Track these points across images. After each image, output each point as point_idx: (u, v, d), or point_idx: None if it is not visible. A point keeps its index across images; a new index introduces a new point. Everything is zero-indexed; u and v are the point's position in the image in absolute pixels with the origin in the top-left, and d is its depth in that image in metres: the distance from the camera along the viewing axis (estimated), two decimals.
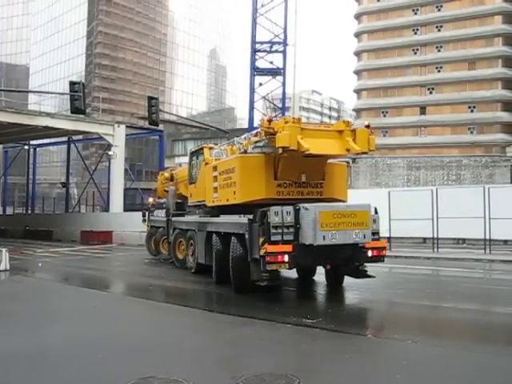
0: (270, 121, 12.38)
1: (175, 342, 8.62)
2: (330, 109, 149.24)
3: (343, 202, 13.97)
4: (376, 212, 13.20)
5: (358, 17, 77.89)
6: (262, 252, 11.69)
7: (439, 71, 70.81)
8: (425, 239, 26.80)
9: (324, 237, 11.60)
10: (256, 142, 13.22)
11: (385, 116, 74.21)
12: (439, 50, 70.86)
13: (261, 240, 11.87)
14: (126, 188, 43.40)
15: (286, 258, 11.71)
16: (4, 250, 19.93)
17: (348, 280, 14.06)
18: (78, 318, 10.90)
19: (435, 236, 23.74)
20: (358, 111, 79.08)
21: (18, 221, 47.20)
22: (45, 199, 57.23)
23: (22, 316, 11.15)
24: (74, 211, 50.87)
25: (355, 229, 11.94)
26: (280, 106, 38.40)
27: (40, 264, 22.89)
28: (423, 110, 71.65)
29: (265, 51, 36.49)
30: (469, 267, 19.59)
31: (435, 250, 23.80)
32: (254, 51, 35.63)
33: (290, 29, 36.08)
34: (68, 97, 22.48)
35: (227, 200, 14.15)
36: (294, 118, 12.43)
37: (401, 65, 72.25)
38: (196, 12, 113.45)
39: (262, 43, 36.33)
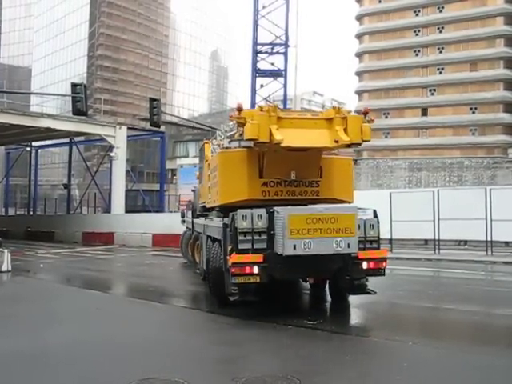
0: (239, 110, 10.75)
1: (176, 343, 8.63)
2: None
3: (348, 202, 12.17)
4: (375, 216, 11.13)
5: (359, 18, 77.95)
6: (230, 262, 10.27)
7: (441, 73, 70.84)
8: (426, 241, 26.75)
9: (295, 246, 9.86)
10: (231, 135, 12.14)
11: (386, 117, 74.22)
12: (441, 52, 70.89)
13: (229, 248, 10.47)
14: (127, 189, 43.43)
15: (255, 269, 10.13)
16: (6, 251, 19.97)
17: None
18: (79, 319, 10.91)
19: (437, 238, 23.70)
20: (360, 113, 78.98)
21: (19, 222, 47.24)
22: (46, 200, 57.26)
23: (24, 317, 11.16)
24: (76, 212, 50.91)
25: (336, 236, 10.02)
26: (281, 107, 38.36)
27: (42, 265, 22.92)
28: (425, 111, 71.68)
29: (266, 53, 36.45)
30: (470, 269, 19.56)
31: (437, 251, 23.77)
32: (256, 53, 35.59)
33: (291, 30, 36.06)
34: (70, 98, 22.49)
35: (214, 201, 12.81)
36: (269, 106, 10.85)
37: (402, 66, 72.30)
38: (197, 14, 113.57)
39: (263, 45, 36.29)
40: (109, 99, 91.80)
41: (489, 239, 22.33)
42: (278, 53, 35.95)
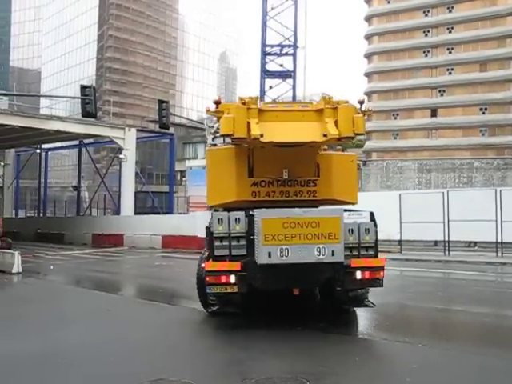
0: (217, 103, 9.97)
1: (186, 344, 8.64)
2: None
3: (351, 204, 10.95)
4: (372, 219, 9.92)
5: (368, 19, 77.79)
6: (204, 270, 9.62)
7: (450, 73, 70.57)
8: (436, 242, 26.67)
9: (270, 253, 8.93)
10: (215, 131, 11.25)
11: (395, 118, 74.02)
12: (450, 52, 70.62)
13: (206, 254, 9.86)
14: (136, 191, 43.57)
15: (232, 278, 9.24)
16: (16, 252, 20.11)
17: None
18: (89, 321, 10.96)
19: (446, 239, 23.64)
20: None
21: (29, 224, 47.48)
22: (56, 202, 57.54)
23: (35, 318, 11.22)
24: (86, 214, 51.11)
25: (318, 243, 9.02)
26: None
27: (52, 267, 23.03)
28: (434, 112, 71.39)
29: (275, 54, 36.49)
30: (480, 270, 19.48)
31: (446, 252, 23.69)
32: (264, 54, 35.64)
33: (300, 31, 36.06)
34: (79, 101, 22.59)
35: (205, 203, 11.79)
36: (249, 98, 9.71)
37: (411, 67, 72.06)
38: (206, 15, 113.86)
39: (272, 46, 36.34)
40: (118, 101, 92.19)
41: (499, 240, 22.23)
42: (286, 54, 35.97)
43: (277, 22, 35.65)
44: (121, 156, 39.59)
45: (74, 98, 63.17)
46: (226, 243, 9.34)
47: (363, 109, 10.00)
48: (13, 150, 49.40)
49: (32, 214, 59.58)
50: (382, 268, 9.67)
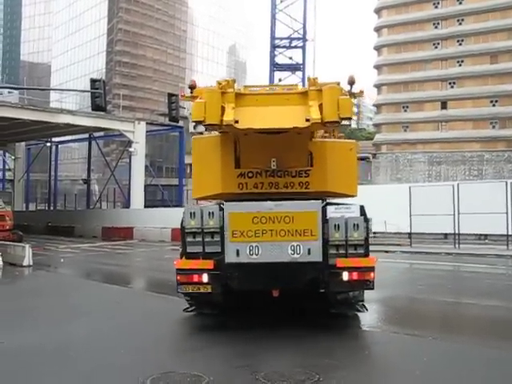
0: (192, 87, 9.18)
1: (196, 337, 8.66)
2: None
3: (349, 197, 10.08)
4: (362, 213, 9.04)
5: (378, 11, 77.33)
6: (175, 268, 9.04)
7: (460, 65, 70.02)
8: (446, 235, 26.60)
9: (238, 252, 8.39)
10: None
11: (405, 111, 73.64)
12: (460, 44, 70.06)
13: (180, 251, 9.30)
14: (146, 184, 43.70)
15: (204, 277, 8.70)
16: (27, 245, 20.25)
17: None
18: (99, 313, 11.01)
19: (456, 232, 23.56)
20: (379, 106, 78.60)
21: (40, 217, 47.74)
22: (66, 195, 57.79)
23: (45, 310, 11.29)
24: (96, 207, 51.33)
25: (292, 240, 8.36)
26: None
27: (62, 260, 23.17)
28: (444, 104, 70.95)
29: (284, 47, 36.48)
30: (491, 263, 19.41)
31: (456, 245, 23.61)
32: (274, 47, 35.62)
33: (309, 24, 36.02)
34: (89, 94, 22.64)
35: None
36: (226, 80, 8.99)
37: (421, 59, 71.57)
38: (215, 8, 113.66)
39: (281, 39, 36.33)
40: (127, 95, 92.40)
41: (510, 233, 22.14)
42: (296, 47, 35.97)
43: (286, 14, 35.67)
44: (130, 149, 39.70)
45: (83, 91, 63.38)
46: (199, 239, 8.78)
47: (354, 90, 9.21)
48: (23, 144, 49.63)
49: (42, 207, 59.92)
50: (371, 269, 8.79)
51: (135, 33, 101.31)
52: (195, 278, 8.75)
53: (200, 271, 8.73)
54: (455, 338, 8.79)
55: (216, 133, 9.65)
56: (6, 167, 55.99)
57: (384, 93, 75.92)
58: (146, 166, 42.60)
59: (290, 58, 36.18)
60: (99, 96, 22.78)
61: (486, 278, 16.19)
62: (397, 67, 73.62)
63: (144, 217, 36.68)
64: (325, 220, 8.70)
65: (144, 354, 7.80)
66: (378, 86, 77.03)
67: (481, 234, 26.82)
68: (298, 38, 35.58)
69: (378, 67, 77.39)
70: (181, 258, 9.12)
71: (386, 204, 26.87)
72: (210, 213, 8.73)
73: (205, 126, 8.63)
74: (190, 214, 8.82)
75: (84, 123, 38.24)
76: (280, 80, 36.33)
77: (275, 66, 36.14)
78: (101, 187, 57.90)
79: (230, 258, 8.45)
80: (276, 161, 9.17)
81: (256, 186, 9.43)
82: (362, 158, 54.15)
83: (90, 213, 46.15)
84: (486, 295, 12.98)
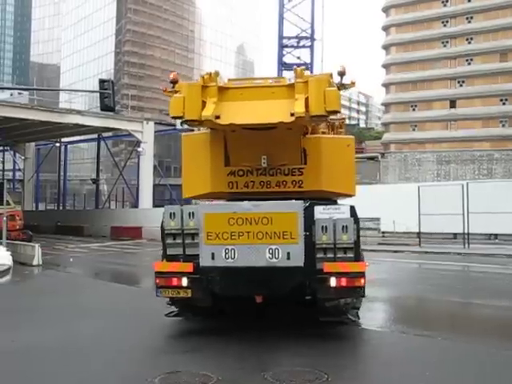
0: (173, 82, 8.57)
1: (205, 337, 8.66)
2: (359, 103, 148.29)
3: (347, 196, 9.69)
4: (353, 214, 8.38)
5: (386, 10, 77.11)
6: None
7: (469, 64, 69.69)
8: (455, 235, 26.52)
9: (213, 255, 7.94)
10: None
11: (414, 110, 73.40)
12: (469, 42, 69.72)
13: (162, 253, 8.88)
14: (155, 184, 43.78)
15: (184, 281, 8.28)
16: (37, 245, 20.37)
17: (374, 275, 13.73)
18: (107, 312, 11.04)
19: (466, 231, 23.46)
20: (387, 105, 78.42)
21: (49, 217, 47.96)
22: (76, 195, 58.06)
23: (55, 309, 11.34)
24: (104, 207, 51.49)
25: (270, 243, 7.85)
26: None
27: (71, 259, 23.26)
28: (453, 103, 70.64)
29: (292, 46, 36.44)
30: (501, 263, 19.31)
31: (466, 245, 23.51)
32: (282, 46, 35.57)
33: (317, 23, 35.95)
34: (98, 95, 22.68)
35: None
36: (209, 74, 8.41)
37: (430, 58, 71.27)
38: (223, 8, 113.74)
39: (289, 38, 36.29)
40: (136, 95, 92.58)
41: None
42: (303, 46, 35.91)
43: (294, 14, 35.61)
44: (139, 149, 39.79)
45: (92, 91, 63.52)
46: (179, 241, 8.35)
47: (343, 82, 8.52)
48: (33, 144, 49.84)
49: (52, 206, 60.15)
50: (361, 274, 8.15)
51: (143, 33, 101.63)
52: (174, 281, 8.35)
53: (179, 274, 8.31)
54: (465, 338, 8.75)
55: (206, 129, 9.28)
56: (16, 167, 56.30)
57: (392, 92, 75.71)
58: (155, 166, 42.68)
59: (298, 58, 36.12)
60: (108, 96, 22.82)
61: (495, 279, 16.11)
62: (405, 66, 73.39)
63: (152, 216, 36.58)
64: (312, 221, 8.17)
65: (153, 353, 7.81)
66: (387, 85, 76.84)
67: (490, 234, 26.71)
68: (306, 38, 35.53)
69: (386, 66, 77.18)
70: (162, 260, 8.71)
71: (394, 204, 26.85)
72: (190, 213, 8.26)
73: (184, 122, 8.39)
74: (170, 214, 8.41)
75: (93, 123, 38.37)
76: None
77: (283, 66, 36.09)
78: (110, 187, 58.10)
79: (205, 261, 8.02)
80: (266, 158, 8.82)
81: (247, 185, 9.06)
82: (370, 158, 54.04)
83: (98, 213, 46.29)
84: (495, 296, 12.91)
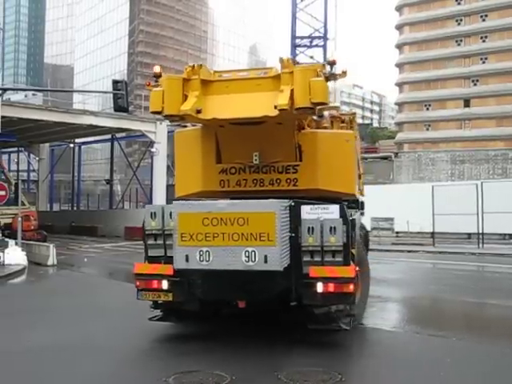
0: (157, 76, 8.11)
1: (218, 337, 8.67)
2: (372, 103, 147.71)
3: (346, 195, 9.11)
4: (343, 214, 7.81)
5: (399, 9, 76.72)
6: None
7: (484, 62, 69.14)
8: (469, 234, 26.37)
9: (187, 257, 7.42)
10: None
11: (428, 109, 72.96)
12: (484, 41, 69.17)
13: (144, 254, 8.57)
14: (168, 184, 43.82)
15: (164, 284, 7.99)
16: (51, 245, 20.53)
17: (388, 275, 13.70)
18: (121, 312, 11.08)
19: (480, 231, 23.31)
20: (400, 105, 78.05)
21: (63, 217, 48.22)
22: (89, 196, 58.29)
23: (69, 309, 11.41)
24: (118, 208, 51.66)
25: (247, 245, 7.25)
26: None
27: (85, 259, 23.40)
28: (467, 102, 70.13)
29: (305, 46, 36.35)
30: None
31: (480, 245, 23.36)
32: (294, 46, 35.49)
33: (329, 23, 35.85)
34: (111, 95, 22.77)
35: None
36: (191, 66, 7.96)
37: (444, 57, 70.81)
38: (236, 9, 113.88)
39: (302, 38, 36.20)
40: (149, 95, 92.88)
41: None
42: (316, 46, 35.81)
43: (306, 13, 35.53)
44: (152, 150, 39.87)
45: (106, 92, 63.90)
46: (160, 242, 8.04)
47: (333, 71, 7.93)
48: (47, 145, 50.13)
49: (66, 207, 60.47)
50: (351, 280, 7.51)
51: (156, 34, 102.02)
52: (154, 284, 8.07)
53: (159, 277, 8.00)
54: (479, 339, 8.70)
55: (197, 126, 8.99)
56: (31, 168, 56.68)
57: (406, 91, 75.31)
58: (168, 166, 42.72)
59: (311, 57, 36.01)
60: (121, 97, 22.92)
61: (510, 279, 16.01)
62: (419, 65, 72.97)
63: None
64: (298, 222, 7.75)
65: (167, 352, 7.84)
66: (400, 85, 76.46)
67: (505, 234, 26.52)
68: (319, 37, 35.43)
69: (399, 65, 76.79)
70: (144, 262, 8.45)
71: (408, 203, 26.75)
72: (171, 213, 7.85)
73: (164, 117, 8.09)
74: (151, 214, 8.12)
75: (106, 124, 38.52)
76: None
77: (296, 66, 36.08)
78: (123, 187, 58.31)
79: (179, 263, 7.53)
80: (258, 155, 8.45)
81: (239, 183, 8.72)
82: (383, 158, 53.79)
83: (112, 213, 46.46)
84: (510, 296, 12.82)
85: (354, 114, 13.39)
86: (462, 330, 9.63)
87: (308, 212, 7.80)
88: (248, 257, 7.22)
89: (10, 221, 26.94)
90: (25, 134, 37.65)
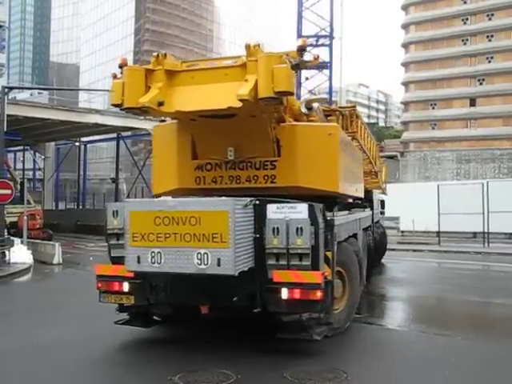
0: (121, 67, 7.72)
1: (222, 336, 8.68)
2: (378, 102, 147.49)
3: (329, 193, 8.33)
4: (312, 214, 7.24)
5: (405, 8, 76.54)
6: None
7: (490, 61, 68.91)
8: (475, 234, 26.31)
9: (139, 258, 6.96)
10: None
11: (433, 108, 72.78)
12: (490, 40, 68.93)
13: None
14: None
15: (125, 286, 7.68)
16: (57, 244, 20.58)
17: (393, 274, 13.70)
18: None
19: (486, 230, 23.26)
20: (406, 104, 77.86)
21: (69, 216, 48.32)
22: (95, 195, 58.42)
23: (74, 308, 11.43)
24: None
25: (199, 246, 6.72)
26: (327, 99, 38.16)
27: (91, 258, 23.40)
28: (473, 101, 69.91)
29: (311, 45, 36.21)
30: None
31: (486, 244, 23.31)
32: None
33: (336, 22, 35.80)
34: None
35: None
36: (155, 56, 7.60)
37: (450, 56, 70.62)
38: (241, 7, 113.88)
39: (307, 37, 36.09)
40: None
41: None
42: (322, 45, 35.73)
43: (312, 12, 35.46)
44: None
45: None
46: (122, 242, 7.49)
47: (303, 59, 7.38)
48: (53, 144, 50.25)
49: (71, 206, 60.65)
50: (317, 286, 6.95)
51: (162, 32, 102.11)
52: (116, 286, 7.74)
53: (120, 279, 7.64)
54: (484, 338, 8.69)
55: (174, 120, 8.58)
56: (36, 167, 56.84)
57: (412, 90, 75.15)
58: None
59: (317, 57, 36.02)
60: None
61: None
62: (424, 64, 72.79)
63: None
64: (263, 222, 7.27)
65: (173, 352, 7.84)
66: (406, 84, 76.30)
67: (511, 233, 26.44)
68: (325, 36, 35.36)
69: (405, 65, 76.63)
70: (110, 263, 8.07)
71: (414, 203, 26.72)
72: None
73: (125, 110, 7.62)
74: (113, 212, 7.72)
75: (112, 123, 38.58)
76: (307, 78, 36.25)
77: None
78: (129, 186, 58.38)
79: (131, 265, 7.07)
80: (233, 150, 8.04)
81: (215, 180, 8.30)
82: (389, 157, 53.75)
83: None
84: None
85: (354, 107, 12.72)
86: (467, 329, 9.62)
87: (274, 211, 7.31)
88: (200, 259, 6.70)
89: (15, 219, 27.00)
90: (30, 132, 37.72)
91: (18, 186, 25.91)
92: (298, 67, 7.31)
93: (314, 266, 7.10)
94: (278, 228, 7.13)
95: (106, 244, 8.13)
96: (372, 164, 15.58)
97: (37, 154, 53.68)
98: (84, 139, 51.55)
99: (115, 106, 7.53)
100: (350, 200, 11.41)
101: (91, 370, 7.14)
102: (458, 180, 47.04)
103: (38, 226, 29.43)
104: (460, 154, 53.91)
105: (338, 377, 6.55)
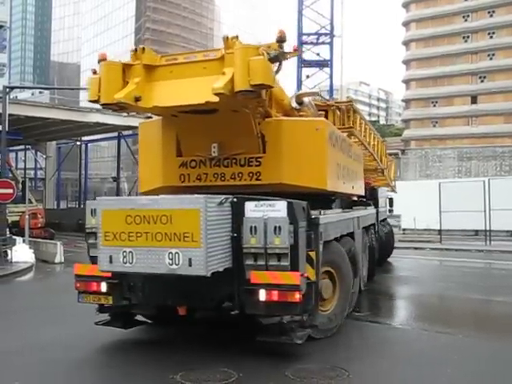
0: (102, 61, 7.45)
1: (222, 334, 8.68)
2: (379, 100, 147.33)
3: (317, 190, 8.03)
4: (291, 213, 6.94)
5: (406, 5, 76.37)
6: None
7: (491, 59, 68.75)
8: (477, 231, 26.30)
9: (111, 258, 6.82)
10: None
11: (435, 106, 72.65)
12: (491, 37, 68.76)
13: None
14: None
15: (103, 286, 7.56)
16: (59, 243, 20.60)
17: (395, 272, 13.70)
18: None
19: (487, 228, 23.25)
20: (407, 102, 77.73)
21: (71, 215, 48.28)
22: (96, 194, 58.25)
23: (76, 307, 11.40)
24: None
25: (170, 246, 6.55)
26: (328, 97, 38.15)
27: None
28: (474, 99, 69.78)
29: (311, 43, 36.31)
30: None
31: (487, 242, 23.29)
32: (301, 43, 35.39)
33: (336, 20, 35.81)
34: None
35: None
36: (133, 50, 7.41)
37: (451, 53, 70.46)
38: (242, 6, 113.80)
39: (308, 35, 36.17)
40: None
41: None
42: (323, 43, 35.77)
43: (313, 10, 35.48)
44: None
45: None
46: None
47: (283, 50, 7.25)
48: (54, 143, 50.30)
49: (73, 205, 60.72)
50: (295, 288, 6.68)
51: (162, 31, 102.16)
52: (94, 286, 7.62)
53: (98, 279, 7.49)
54: (486, 336, 8.68)
55: (159, 116, 8.46)
56: (38, 166, 56.88)
57: (413, 88, 75.01)
58: None
59: (318, 55, 36.01)
60: None
61: None
62: (425, 62, 72.65)
63: None
64: (241, 221, 7.04)
65: (175, 350, 7.82)
66: (407, 82, 76.16)
67: None
68: (326, 34, 35.39)
69: (406, 62, 76.48)
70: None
71: (415, 200, 26.70)
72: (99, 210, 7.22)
73: (102, 106, 7.45)
74: (91, 211, 7.64)
75: (113, 122, 38.57)
76: (308, 76, 36.27)
77: (303, 63, 35.97)
78: (130, 185, 58.42)
79: (103, 265, 6.93)
80: (217, 146, 7.86)
81: (199, 177, 8.17)
82: (390, 154, 53.72)
83: None
84: None
85: (350, 101, 12.19)
86: (469, 327, 9.61)
87: (252, 209, 7.04)
88: (172, 259, 6.51)
89: (17, 218, 27.08)
90: (32, 132, 37.75)
91: (20, 186, 25.98)
92: (277, 59, 7.13)
93: (294, 267, 6.85)
94: (255, 227, 6.92)
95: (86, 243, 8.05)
96: (377, 161, 15.29)
97: (38, 154, 53.71)
98: (85, 138, 51.58)
99: (92, 102, 7.36)
100: (355, 198, 11.34)
101: (91, 370, 7.15)
102: (460, 178, 47.01)
103: (39, 225, 29.50)
104: (461, 152, 53.88)
105: (339, 375, 6.54)
